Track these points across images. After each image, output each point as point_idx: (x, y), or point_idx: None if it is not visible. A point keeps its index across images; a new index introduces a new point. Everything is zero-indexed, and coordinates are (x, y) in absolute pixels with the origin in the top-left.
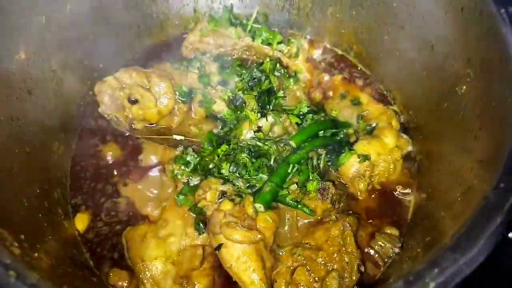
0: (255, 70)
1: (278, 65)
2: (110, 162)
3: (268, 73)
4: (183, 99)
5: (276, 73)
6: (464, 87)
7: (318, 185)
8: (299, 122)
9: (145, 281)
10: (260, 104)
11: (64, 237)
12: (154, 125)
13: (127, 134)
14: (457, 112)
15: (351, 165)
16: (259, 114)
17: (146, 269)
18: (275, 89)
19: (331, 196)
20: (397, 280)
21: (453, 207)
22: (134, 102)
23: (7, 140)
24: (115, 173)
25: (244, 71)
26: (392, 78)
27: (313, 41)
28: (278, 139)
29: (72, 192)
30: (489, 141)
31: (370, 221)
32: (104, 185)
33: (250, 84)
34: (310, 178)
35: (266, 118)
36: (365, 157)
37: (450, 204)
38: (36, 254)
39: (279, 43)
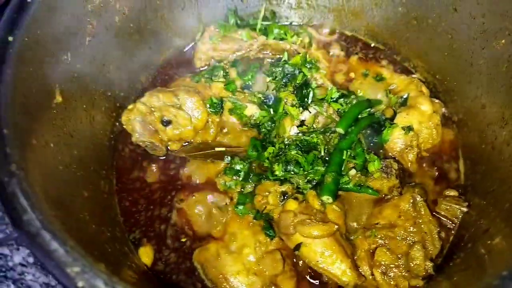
0: (286, 66)
1: (307, 56)
2: (156, 188)
3: (300, 66)
4: (214, 110)
5: (307, 65)
6: (503, 41)
7: (380, 163)
8: (340, 108)
9: None
10: (298, 98)
11: (140, 273)
12: (189, 142)
13: (164, 158)
14: (499, 65)
15: (396, 138)
16: (300, 108)
17: (232, 286)
18: (309, 81)
19: (395, 172)
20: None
21: None
22: (167, 123)
23: (68, 188)
24: (164, 198)
25: (274, 69)
26: (410, 48)
27: (320, 28)
28: (323, 129)
29: (128, 227)
30: None
31: (428, 188)
32: (157, 212)
33: (284, 81)
34: (368, 159)
35: (309, 111)
36: (408, 128)
37: None
38: None
39: (291, 36)
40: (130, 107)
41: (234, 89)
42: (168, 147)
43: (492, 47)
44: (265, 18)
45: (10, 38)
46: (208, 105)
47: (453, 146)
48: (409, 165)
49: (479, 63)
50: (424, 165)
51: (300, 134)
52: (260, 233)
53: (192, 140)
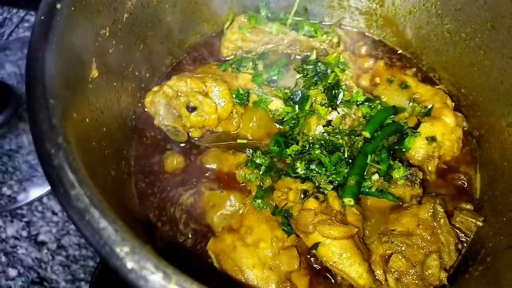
0: (319, 64)
1: (341, 57)
2: (174, 174)
3: (333, 66)
4: (240, 101)
5: (340, 66)
6: None
7: (406, 171)
8: (369, 112)
9: None
10: (328, 98)
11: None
12: (211, 131)
13: (184, 144)
14: None
15: (419, 147)
16: (329, 108)
17: (248, 278)
18: (341, 82)
19: (419, 181)
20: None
21: None
22: (192, 109)
23: (101, 166)
24: (182, 184)
25: (306, 66)
26: (437, 59)
27: (349, 29)
28: (349, 131)
29: (143, 210)
30: None
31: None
32: (173, 198)
33: (315, 79)
34: (393, 166)
35: (337, 111)
36: (432, 139)
37: None
38: None
39: (322, 34)
40: (155, 89)
41: (261, 82)
42: (190, 134)
43: None
44: (296, 14)
45: (58, 6)
46: (234, 96)
47: (471, 161)
48: (428, 175)
49: (510, 82)
50: (443, 176)
51: (325, 134)
52: (278, 228)
53: (214, 129)
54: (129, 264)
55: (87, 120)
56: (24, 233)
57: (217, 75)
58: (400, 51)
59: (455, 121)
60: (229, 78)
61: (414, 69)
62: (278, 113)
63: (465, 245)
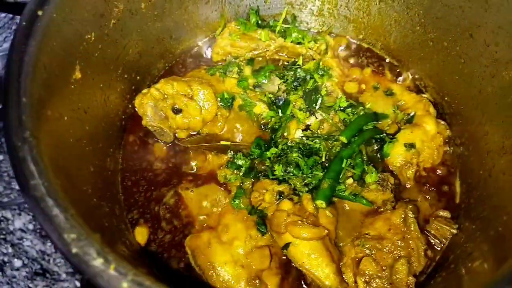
0: (299, 70)
1: (320, 63)
2: (159, 172)
3: (312, 72)
4: (225, 105)
5: (320, 72)
6: None
7: (378, 176)
8: (346, 118)
9: (218, 286)
10: (306, 103)
11: (133, 251)
12: (196, 133)
13: (170, 144)
14: (506, 95)
15: (398, 154)
16: (307, 113)
17: (219, 275)
18: (319, 87)
19: (390, 186)
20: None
21: None
22: (178, 111)
23: (77, 161)
24: (166, 183)
25: (286, 72)
26: (423, 67)
27: (338, 37)
28: (327, 136)
29: (127, 207)
30: None
31: (422, 206)
32: (157, 196)
33: (294, 84)
34: (367, 170)
35: (315, 116)
36: (411, 146)
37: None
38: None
39: (309, 41)
40: (144, 91)
41: (246, 87)
42: (176, 135)
43: (502, 76)
44: (285, 21)
45: (40, 12)
46: (219, 99)
47: (452, 169)
48: (407, 182)
49: (488, 90)
50: (421, 183)
51: (304, 138)
52: (253, 228)
53: (199, 130)
54: (74, 250)
55: (66, 118)
56: (31, 226)
57: (204, 79)
58: (388, 59)
59: (436, 129)
60: (216, 82)
61: (401, 77)
62: (262, 116)
63: (440, 251)
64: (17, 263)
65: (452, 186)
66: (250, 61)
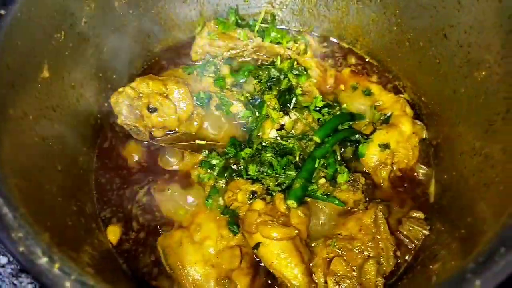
0: (272, 70)
1: (295, 63)
2: (133, 171)
3: (286, 72)
4: (201, 104)
5: (294, 71)
6: (484, 73)
7: (349, 177)
8: (321, 117)
9: (188, 286)
10: (281, 103)
11: (103, 250)
12: (173, 132)
13: (146, 143)
14: (478, 96)
15: (372, 154)
16: (281, 113)
17: (188, 274)
18: (294, 87)
19: (361, 186)
20: (465, 262)
21: (491, 187)
22: (153, 110)
23: (41, 160)
24: (140, 181)
25: (261, 72)
26: (401, 67)
27: (319, 37)
28: (301, 135)
29: (100, 205)
30: None
31: (395, 207)
32: (130, 194)
33: (268, 84)
34: (339, 170)
35: (289, 116)
36: (385, 146)
37: (486, 185)
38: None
39: (288, 41)
40: (120, 89)
41: (222, 86)
42: (152, 133)
43: (474, 77)
44: (265, 21)
45: (2, 12)
46: (195, 98)
47: (427, 170)
48: (381, 182)
49: (461, 91)
50: (396, 184)
51: (278, 138)
52: (225, 227)
53: (176, 129)
54: (21, 248)
55: (31, 117)
56: None
57: (181, 78)
58: (367, 59)
59: (411, 129)
60: (193, 81)
61: (380, 78)
62: (238, 116)
63: (412, 252)
64: (3, 260)
65: (427, 187)
66: (228, 60)
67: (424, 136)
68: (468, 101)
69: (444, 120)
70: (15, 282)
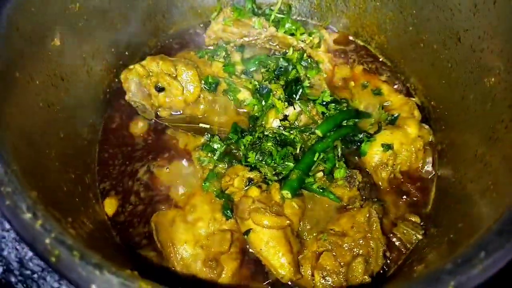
0: (281, 59)
1: (305, 55)
2: (137, 148)
3: (295, 62)
4: (208, 88)
5: (303, 63)
6: (493, 79)
7: (346, 172)
8: (325, 111)
9: (176, 263)
10: (287, 93)
11: (97, 221)
12: (179, 113)
13: (152, 121)
14: (485, 103)
15: (374, 154)
16: (286, 103)
17: (177, 252)
18: (301, 78)
19: (357, 183)
20: (443, 263)
21: (485, 194)
22: (160, 90)
23: (44, 125)
24: (142, 158)
25: (269, 61)
26: (414, 69)
27: (334, 32)
28: (304, 128)
29: (100, 177)
30: None
31: (392, 209)
32: (131, 170)
33: (276, 73)
34: (337, 166)
35: (294, 107)
36: (388, 146)
37: (481, 192)
38: (85, 236)
39: (302, 33)
40: (130, 67)
41: (232, 72)
42: (158, 113)
43: (483, 83)
44: (280, 11)
45: None
46: (203, 82)
47: (430, 174)
48: (380, 182)
49: (470, 97)
50: (396, 185)
51: (281, 128)
52: (219, 211)
53: (181, 111)
54: (7, 202)
55: (37, 82)
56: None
57: (192, 61)
58: (381, 59)
59: (417, 132)
60: (203, 65)
61: (392, 78)
62: (244, 103)
63: (403, 256)
64: (7, 225)
65: (427, 191)
66: (241, 48)
67: (430, 140)
68: (475, 107)
69: (450, 126)
70: (17, 247)
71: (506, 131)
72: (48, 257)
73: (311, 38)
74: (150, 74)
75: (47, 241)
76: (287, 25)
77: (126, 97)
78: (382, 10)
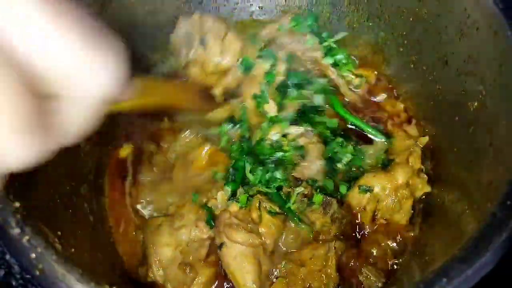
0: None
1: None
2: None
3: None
4: (242, 69)
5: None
6: (476, 103)
7: (323, 199)
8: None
9: (153, 264)
10: (299, 114)
11: (93, 231)
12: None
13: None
14: (468, 126)
15: (353, 194)
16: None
17: (156, 253)
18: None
19: (332, 212)
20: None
21: (461, 219)
22: (202, 43)
23: None
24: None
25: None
26: (404, 89)
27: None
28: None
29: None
30: (497, 158)
31: (365, 249)
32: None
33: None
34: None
35: (297, 129)
36: (366, 190)
37: (457, 216)
38: (73, 250)
39: (348, 70)
40: (194, 15)
41: (270, 80)
42: (186, 69)
43: (467, 106)
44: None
45: None
46: (241, 60)
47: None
48: (363, 223)
49: (455, 119)
50: (377, 229)
51: (277, 141)
52: (203, 220)
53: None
54: None
55: None
56: None
57: (244, 39)
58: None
59: (405, 181)
60: (251, 49)
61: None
62: (268, 115)
63: None
64: None
65: (406, 241)
66: (290, 58)
67: (426, 191)
68: (460, 130)
69: (435, 147)
70: None
71: (484, 156)
72: (33, 271)
73: (354, 78)
74: (201, 28)
75: (33, 255)
76: (339, 56)
77: (171, 35)
78: (374, 31)
